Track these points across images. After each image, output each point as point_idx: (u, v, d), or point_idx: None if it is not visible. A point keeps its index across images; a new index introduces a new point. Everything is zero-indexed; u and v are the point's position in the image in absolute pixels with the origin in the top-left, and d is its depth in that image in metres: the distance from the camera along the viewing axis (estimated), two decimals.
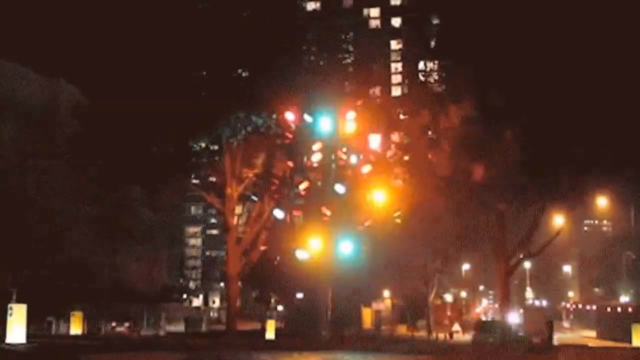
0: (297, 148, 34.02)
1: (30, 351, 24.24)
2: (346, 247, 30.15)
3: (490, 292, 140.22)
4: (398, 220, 37.67)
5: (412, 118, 40.28)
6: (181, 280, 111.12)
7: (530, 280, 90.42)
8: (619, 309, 56.06)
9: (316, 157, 31.02)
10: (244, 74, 36.63)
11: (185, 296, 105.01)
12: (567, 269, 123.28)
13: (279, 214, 32.77)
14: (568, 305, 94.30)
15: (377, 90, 44.08)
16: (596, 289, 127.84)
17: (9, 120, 58.39)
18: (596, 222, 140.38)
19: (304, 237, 30.21)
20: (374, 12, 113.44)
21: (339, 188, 30.63)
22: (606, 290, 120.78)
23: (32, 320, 27.87)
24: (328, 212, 30.33)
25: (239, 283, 42.75)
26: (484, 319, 70.46)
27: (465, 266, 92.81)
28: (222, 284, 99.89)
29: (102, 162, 37.13)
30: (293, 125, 30.83)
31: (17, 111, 58.68)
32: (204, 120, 35.10)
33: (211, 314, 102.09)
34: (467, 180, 37.11)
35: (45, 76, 64.69)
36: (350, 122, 30.78)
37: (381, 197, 32.53)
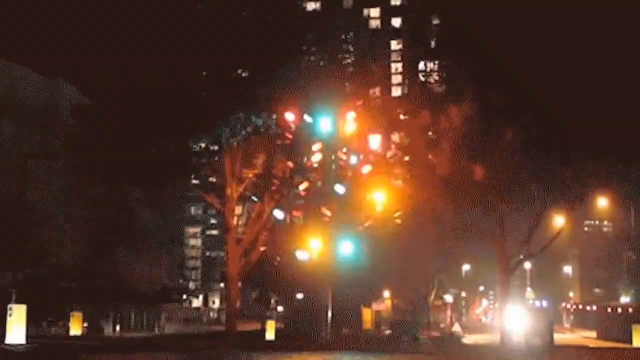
0: (297, 148, 34.00)
1: (31, 352, 24.20)
2: (346, 248, 30.16)
3: (491, 292, 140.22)
4: (398, 221, 37.63)
5: (413, 118, 40.21)
6: (181, 281, 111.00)
7: (531, 281, 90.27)
8: (619, 310, 55.98)
9: (316, 158, 30.99)
10: (244, 75, 36.59)
11: (185, 297, 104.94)
12: (567, 269, 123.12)
13: (279, 214, 32.78)
14: (569, 306, 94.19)
15: (377, 91, 44.06)
16: (597, 290, 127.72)
17: (8, 120, 58.35)
18: (597, 222, 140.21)
19: (304, 237, 30.20)
20: (374, 12, 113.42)
21: (339, 189, 30.62)
22: (607, 291, 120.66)
23: (31, 321, 27.83)
24: (328, 213, 30.32)
25: (239, 284, 42.68)
26: None
27: (466, 267, 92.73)
28: (222, 285, 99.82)
29: (102, 162, 37.09)
30: (293, 126, 30.82)
31: (17, 112, 58.64)
32: (204, 121, 35.07)
33: (211, 314, 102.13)
34: (467, 180, 37.04)
35: (45, 76, 64.65)
36: (350, 122, 30.77)
37: (381, 198, 32.50)
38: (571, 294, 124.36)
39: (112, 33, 35.51)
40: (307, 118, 30.86)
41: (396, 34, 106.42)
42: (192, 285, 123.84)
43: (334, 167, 31.59)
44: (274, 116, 34.88)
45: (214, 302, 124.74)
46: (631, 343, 42.52)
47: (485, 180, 36.88)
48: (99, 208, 60.27)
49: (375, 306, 57.59)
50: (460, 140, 36.32)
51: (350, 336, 44.23)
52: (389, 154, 36.87)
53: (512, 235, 41.12)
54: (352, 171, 31.83)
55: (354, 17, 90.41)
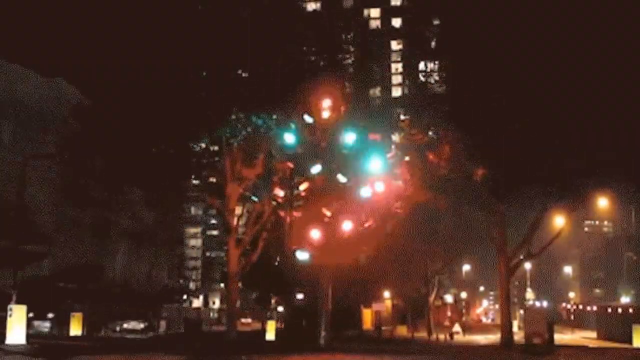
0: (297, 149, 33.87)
1: (31, 352, 24.22)
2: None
3: (491, 293, 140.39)
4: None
5: (412, 118, 40.26)
6: (181, 281, 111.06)
7: (531, 281, 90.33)
8: (619, 310, 55.99)
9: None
10: (244, 75, 36.58)
11: (185, 297, 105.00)
12: (567, 269, 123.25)
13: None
14: (569, 306, 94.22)
15: (377, 91, 44.02)
16: (597, 290, 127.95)
17: (9, 121, 58.36)
18: (597, 222, 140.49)
19: (304, 237, 30.14)
20: (374, 12, 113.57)
21: (339, 188, 30.60)
22: (606, 290, 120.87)
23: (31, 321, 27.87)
24: (328, 213, 30.27)
25: (239, 284, 42.67)
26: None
27: (466, 267, 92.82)
28: (222, 285, 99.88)
29: (102, 163, 37.12)
30: (293, 125, 30.79)
31: (17, 112, 58.65)
32: (204, 121, 35.07)
33: (211, 314, 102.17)
34: (467, 180, 37.05)
35: (45, 76, 64.69)
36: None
37: (381, 197, 32.46)
38: (571, 294, 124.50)
39: (112, 33, 35.50)
40: (307, 118, 30.83)
41: (396, 34, 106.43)
42: (192, 285, 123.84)
43: (334, 166, 31.53)
44: (274, 116, 34.88)
45: (214, 302, 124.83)
46: (631, 343, 42.55)
47: (484, 181, 36.90)
48: (99, 208, 60.30)
49: (375, 306, 57.57)
50: (460, 141, 36.32)
51: (350, 336, 44.30)
52: (389, 154, 36.82)
53: (512, 235, 41.13)
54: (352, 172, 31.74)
55: (354, 17, 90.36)
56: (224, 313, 72.27)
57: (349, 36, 41.96)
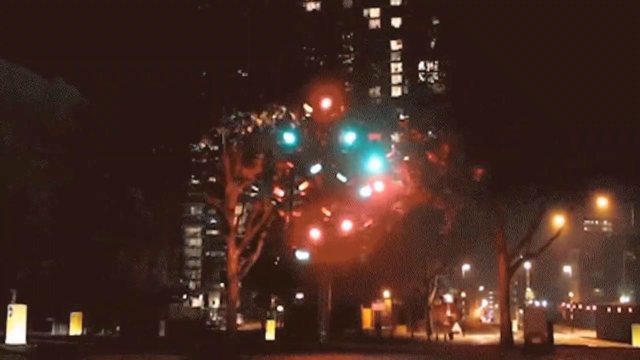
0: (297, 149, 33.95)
1: (31, 352, 24.23)
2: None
3: (491, 292, 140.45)
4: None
5: (412, 118, 40.27)
6: (181, 281, 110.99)
7: (531, 281, 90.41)
8: (619, 310, 56.06)
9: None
10: (244, 75, 36.61)
11: (185, 297, 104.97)
12: (567, 269, 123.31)
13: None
14: (568, 306, 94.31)
15: (377, 90, 44.06)
16: (596, 290, 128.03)
17: (8, 121, 58.34)
18: (596, 222, 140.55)
19: (304, 237, 30.20)
20: (374, 12, 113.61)
21: (339, 188, 30.66)
22: (606, 290, 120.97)
23: (31, 320, 27.88)
24: (328, 213, 30.33)
25: (239, 283, 42.69)
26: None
27: (466, 267, 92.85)
28: (222, 285, 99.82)
29: (102, 163, 37.10)
30: (293, 125, 30.86)
31: (17, 112, 58.64)
32: (204, 121, 35.10)
33: (211, 314, 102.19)
34: (467, 180, 37.05)
35: (45, 77, 64.69)
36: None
37: (381, 197, 32.52)
38: (570, 294, 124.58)
39: (112, 33, 35.49)
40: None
41: (396, 34, 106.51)
42: (192, 285, 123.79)
43: (333, 166, 31.61)
44: (274, 116, 34.91)
45: (213, 302, 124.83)
46: (630, 343, 42.59)
47: (484, 181, 36.90)
48: (98, 208, 60.21)
49: (375, 306, 57.65)
50: (459, 140, 36.34)
51: (350, 336, 44.34)
52: (389, 154, 36.86)
53: (512, 235, 41.17)
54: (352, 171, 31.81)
55: (354, 17, 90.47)
56: (224, 313, 72.26)
57: (349, 36, 42.03)
